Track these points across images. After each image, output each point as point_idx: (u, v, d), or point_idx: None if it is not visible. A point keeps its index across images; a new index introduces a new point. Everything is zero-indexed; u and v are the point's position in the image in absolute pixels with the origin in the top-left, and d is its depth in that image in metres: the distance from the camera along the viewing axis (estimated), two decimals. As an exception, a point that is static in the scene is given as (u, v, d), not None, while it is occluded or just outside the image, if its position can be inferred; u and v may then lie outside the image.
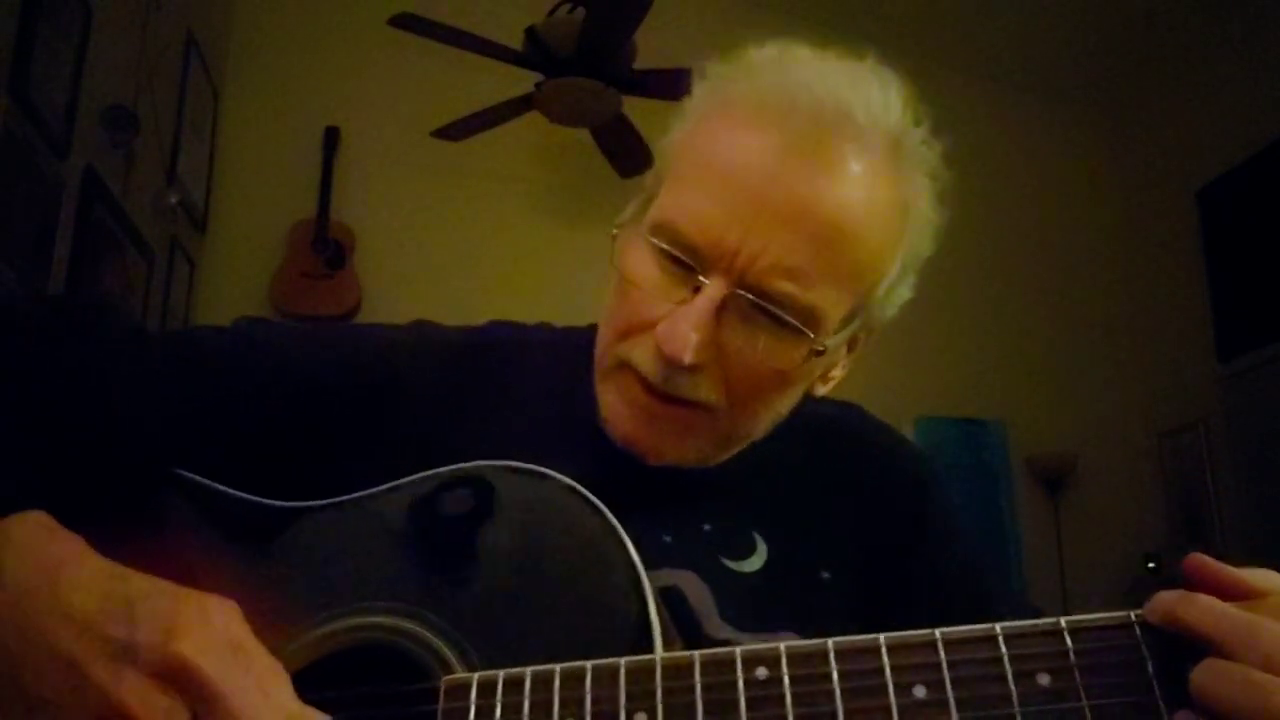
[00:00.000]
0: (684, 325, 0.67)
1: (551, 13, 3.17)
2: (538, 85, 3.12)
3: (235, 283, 3.44)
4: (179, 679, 0.54)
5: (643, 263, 0.71)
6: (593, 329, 0.84)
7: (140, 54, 2.67)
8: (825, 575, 0.78)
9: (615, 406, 0.74)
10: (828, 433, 0.86)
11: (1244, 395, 3.84)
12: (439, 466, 0.68)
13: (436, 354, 0.82)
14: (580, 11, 3.03)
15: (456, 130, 3.30)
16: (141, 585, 0.58)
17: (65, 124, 2.21)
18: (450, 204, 3.74)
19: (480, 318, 0.90)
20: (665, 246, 0.70)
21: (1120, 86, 4.50)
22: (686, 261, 0.69)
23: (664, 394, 0.71)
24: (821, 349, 0.71)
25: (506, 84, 3.21)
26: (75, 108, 2.24)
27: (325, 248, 3.48)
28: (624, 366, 0.73)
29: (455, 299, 3.52)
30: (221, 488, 0.71)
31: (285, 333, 0.82)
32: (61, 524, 0.61)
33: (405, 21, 2.93)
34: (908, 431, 3.99)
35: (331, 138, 3.63)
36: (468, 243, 3.70)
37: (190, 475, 0.71)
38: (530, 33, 3.08)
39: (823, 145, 0.68)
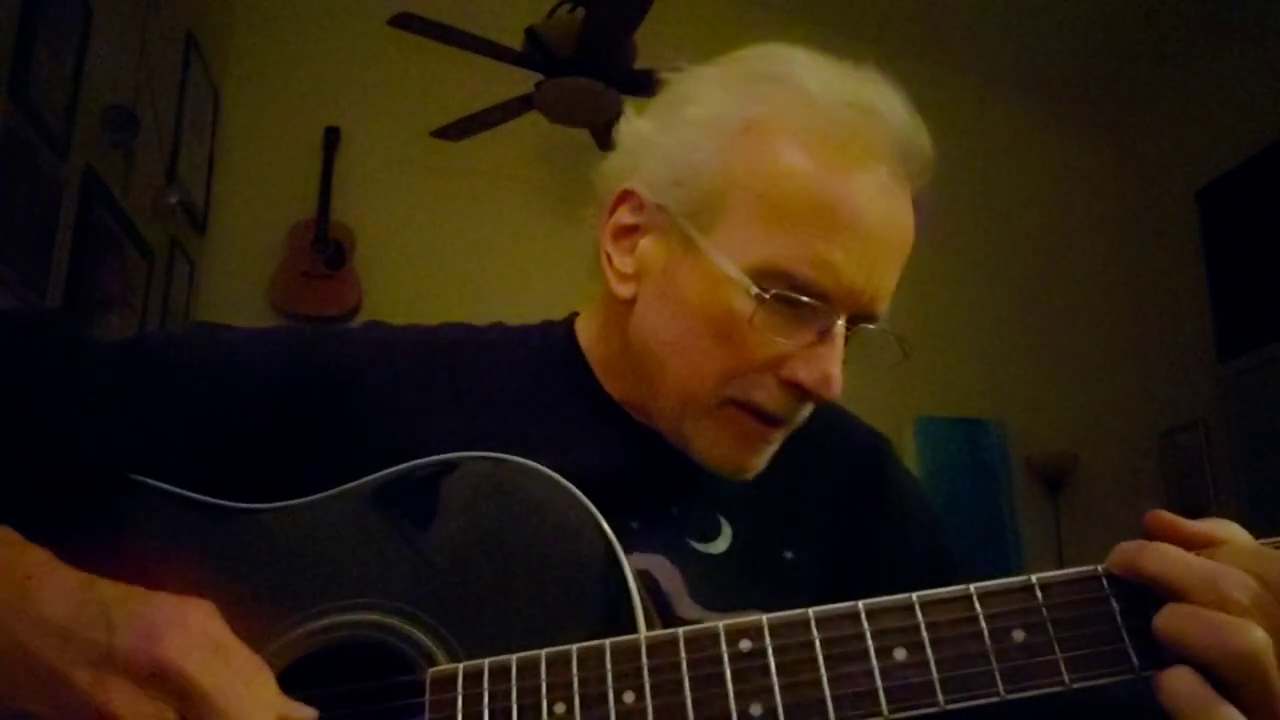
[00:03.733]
0: (834, 368, 0.72)
1: (551, 13, 3.17)
2: (538, 85, 3.12)
3: (235, 283, 3.44)
4: (164, 681, 0.54)
5: (755, 309, 0.71)
6: (543, 328, 0.86)
7: (140, 54, 2.67)
8: (789, 555, 0.80)
9: (723, 442, 0.76)
10: None
11: (1244, 395, 3.84)
12: (402, 462, 0.68)
13: (394, 351, 0.81)
14: (580, 11, 3.03)
15: (456, 130, 3.30)
16: (114, 591, 0.58)
17: (65, 124, 2.21)
18: (450, 204, 3.74)
19: (481, 317, 0.90)
20: (788, 294, 0.70)
21: (1120, 86, 4.49)
22: (815, 305, 0.71)
23: (780, 421, 0.75)
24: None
25: (506, 84, 3.21)
26: (75, 108, 2.24)
27: (325, 248, 3.48)
28: (730, 403, 0.74)
29: (455, 299, 3.53)
30: (183, 492, 0.70)
31: (237, 336, 0.82)
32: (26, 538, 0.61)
33: (405, 21, 2.93)
34: (908, 431, 4.00)
35: (331, 138, 3.62)
36: (468, 243, 3.70)
37: (151, 482, 0.71)
38: (530, 33, 3.07)
39: (907, 175, 0.74)
